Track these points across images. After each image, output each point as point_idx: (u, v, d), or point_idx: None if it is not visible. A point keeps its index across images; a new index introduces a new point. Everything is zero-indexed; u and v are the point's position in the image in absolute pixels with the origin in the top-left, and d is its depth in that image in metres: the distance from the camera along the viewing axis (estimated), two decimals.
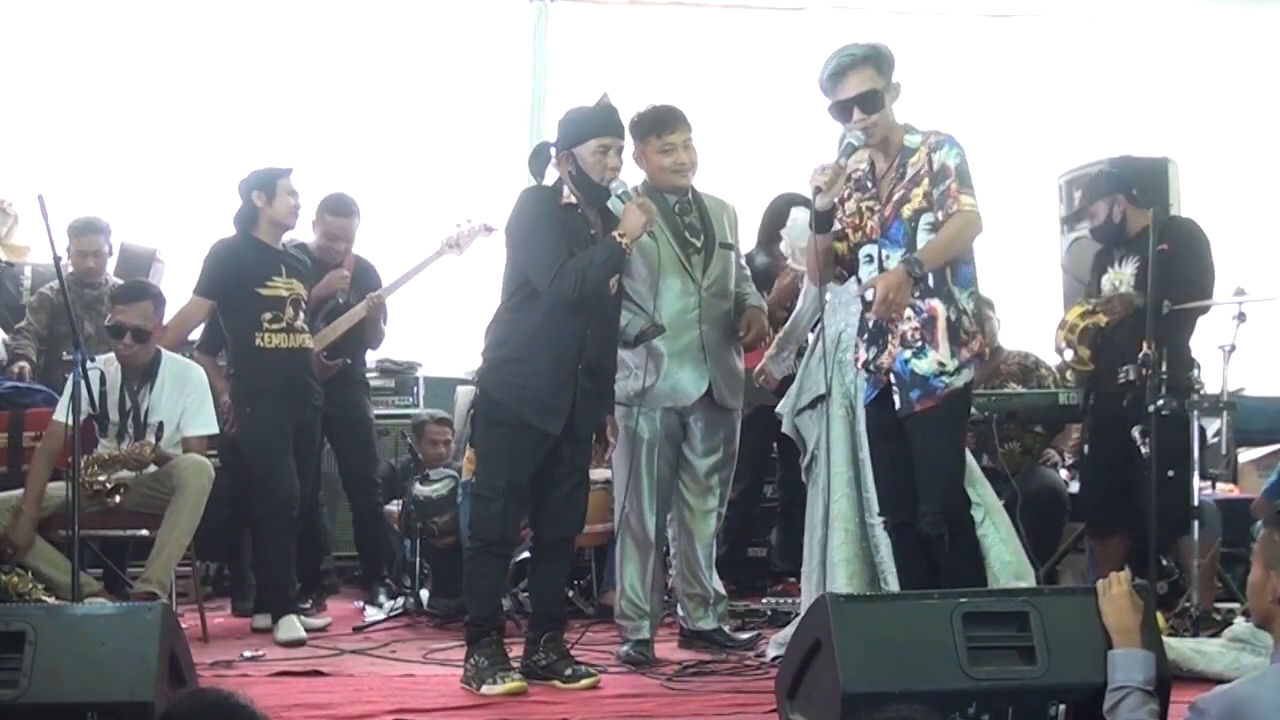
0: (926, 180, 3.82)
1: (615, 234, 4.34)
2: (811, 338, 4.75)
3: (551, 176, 4.50)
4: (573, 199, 4.42)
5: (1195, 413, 4.87)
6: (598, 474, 5.95)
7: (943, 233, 3.76)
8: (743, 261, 5.06)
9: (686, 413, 4.84)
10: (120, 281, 6.10)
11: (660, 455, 4.82)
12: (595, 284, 4.30)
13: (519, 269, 4.42)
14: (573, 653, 4.63)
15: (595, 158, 4.35)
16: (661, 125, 4.75)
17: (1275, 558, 2.92)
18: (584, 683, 4.40)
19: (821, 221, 3.98)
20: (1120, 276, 5.25)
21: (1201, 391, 5.02)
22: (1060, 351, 5.38)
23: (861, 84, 3.84)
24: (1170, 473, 4.86)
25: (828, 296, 4.72)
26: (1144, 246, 5.13)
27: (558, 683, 4.40)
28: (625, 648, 4.84)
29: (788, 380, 5.68)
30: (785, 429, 4.77)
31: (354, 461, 6.13)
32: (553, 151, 4.45)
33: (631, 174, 5.03)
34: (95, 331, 5.87)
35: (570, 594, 5.72)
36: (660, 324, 4.70)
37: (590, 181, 4.37)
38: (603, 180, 4.37)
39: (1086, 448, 5.52)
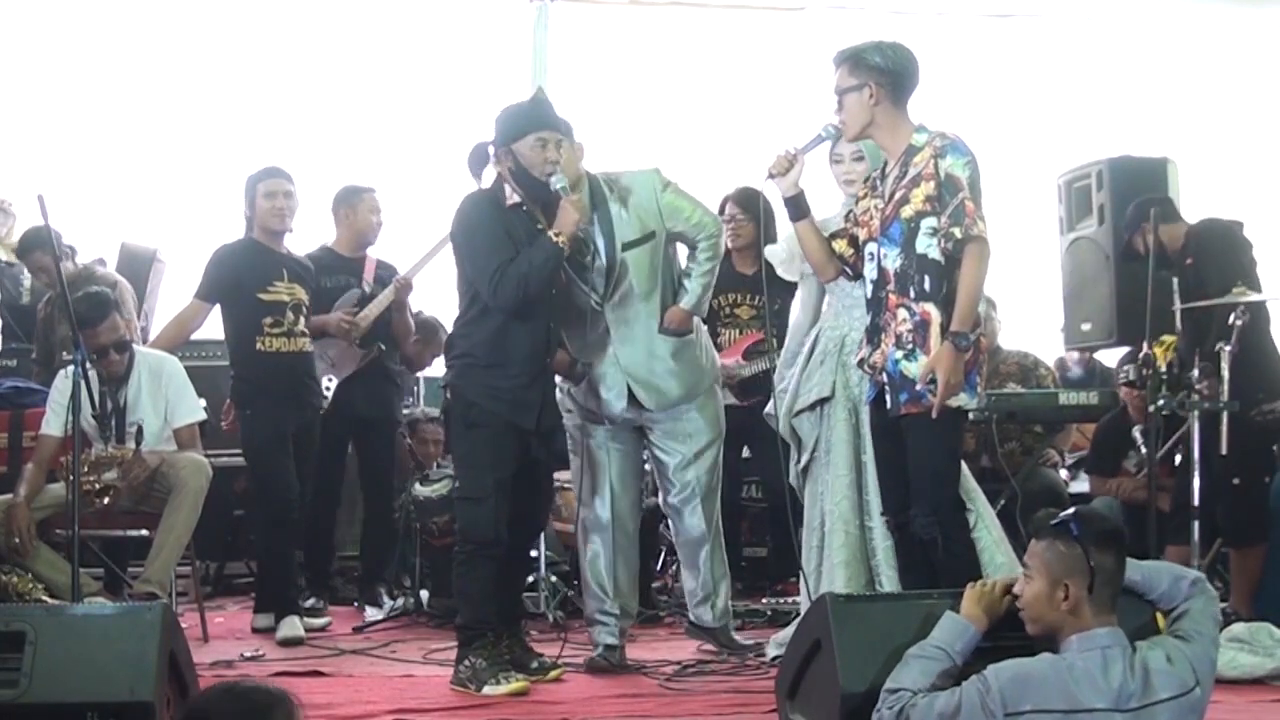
0: (929, 183, 3.80)
1: (551, 233, 4.30)
2: (810, 339, 4.69)
3: (490, 176, 4.44)
4: (516, 198, 4.39)
5: (1195, 413, 4.87)
6: None
7: (963, 281, 3.75)
8: (698, 237, 4.65)
9: (645, 419, 4.73)
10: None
11: (615, 456, 4.73)
12: (538, 288, 4.29)
13: (468, 277, 4.42)
14: (572, 652, 4.64)
15: (534, 152, 4.31)
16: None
17: (1065, 567, 3.04)
18: (550, 675, 4.44)
19: (792, 208, 4.03)
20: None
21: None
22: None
23: (836, 81, 3.94)
24: (1236, 480, 4.86)
25: (828, 299, 4.71)
26: (1179, 259, 5.16)
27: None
28: (595, 653, 4.72)
29: (747, 382, 5.68)
30: (781, 430, 4.71)
31: (377, 463, 6.11)
32: (491, 150, 4.40)
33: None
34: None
35: (569, 594, 5.73)
36: (583, 362, 4.63)
37: (531, 177, 4.34)
38: (543, 174, 4.32)
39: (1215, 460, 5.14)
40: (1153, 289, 5.21)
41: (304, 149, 7.37)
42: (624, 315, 4.63)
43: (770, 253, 4.77)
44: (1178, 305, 5.13)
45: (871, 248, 3.95)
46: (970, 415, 4.21)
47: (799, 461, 4.71)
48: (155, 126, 7.87)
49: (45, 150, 7.67)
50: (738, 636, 5.04)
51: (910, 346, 3.82)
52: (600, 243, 4.59)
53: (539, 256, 4.28)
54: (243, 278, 5.37)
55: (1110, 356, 6.85)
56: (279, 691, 2.47)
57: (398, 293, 5.90)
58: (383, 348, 5.96)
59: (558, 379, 4.67)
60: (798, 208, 4.04)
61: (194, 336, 5.77)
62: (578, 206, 4.34)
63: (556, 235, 4.29)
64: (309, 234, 6.24)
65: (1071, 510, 3.13)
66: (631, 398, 4.64)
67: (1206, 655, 3.08)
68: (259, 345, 5.35)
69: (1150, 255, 5.17)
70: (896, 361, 3.84)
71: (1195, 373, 4.89)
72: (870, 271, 3.96)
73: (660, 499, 4.93)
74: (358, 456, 6.10)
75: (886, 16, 8.07)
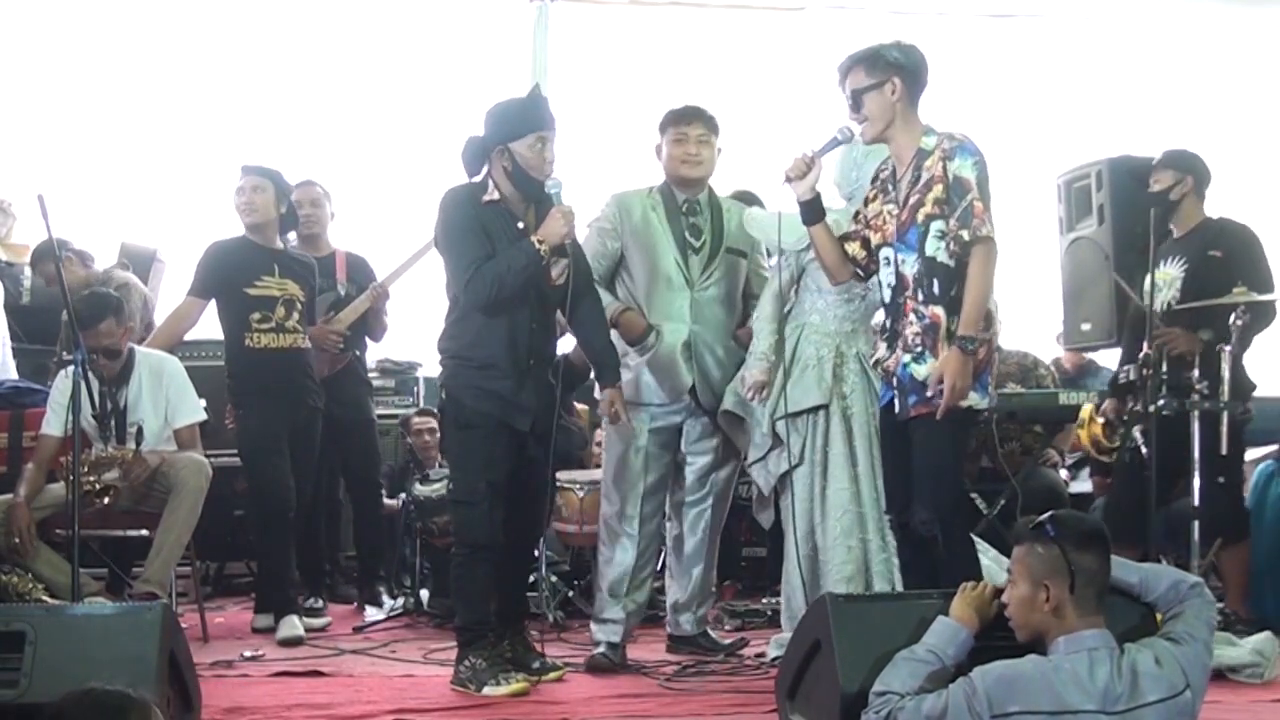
0: (940, 186, 3.80)
1: (534, 239, 4.27)
2: (792, 340, 4.62)
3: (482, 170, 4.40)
4: (495, 195, 4.34)
5: (1195, 413, 4.87)
6: (597, 475, 5.96)
7: (971, 283, 3.77)
8: (766, 269, 4.93)
9: (684, 415, 4.79)
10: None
11: (652, 459, 4.77)
12: (512, 290, 4.25)
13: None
14: (572, 652, 4.63)
15: (533, 152, 4.29)
16: (679, 118, 4.82)
17: (1044, 569, 3.06)
18: (552, 675, 4.43)
19: (807, 212, 4.03)
20: (1167, 276, 5.17)
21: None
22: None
23: (852, 84, 3.92)
24: (1221, 479, 4.86)
25: (806, 295, 4.65)
26: (1196, 246, 5.14)
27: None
28: (597, 651, 4.75)
29: None
30: (764, 430, 4.66)
31: (357, 462, 6.11)
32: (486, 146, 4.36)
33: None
34: None
35: (570, 594, 5.73)
36: (656, 329, 4.71)
37: (528, 176, 4.31)
38: (542, 174, 4.31)
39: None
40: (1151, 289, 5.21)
41: (304, 149, 7.36)
42: (704, 307, 4.77)
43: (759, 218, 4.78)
44: (1167, 303, 5.15)
45: (888, 253, 3.94)
46: (975, 424, 4.20)
47: (764, 458, 4.66)
48: (155, 126, 7.87)
49: (45, 150, 7.67)
50: (725, 639, 5.05)
51: (919, 349, 3.83)
52: (708, 234, 4.78)
53: (519, 260, 4.25)
54: (232, 273, 5.36)
55: (1109, 357, 6.85)
56: (136, 696, 2.43)
57: (374, 301, 5.90)
58: (358, 354, 5.95)
59: (627, 352, 4.71)
60: (813, 211, 4.03)
61: (195, 337, 5.77)
62: (566, 217, 4.32)
63: (539, 242, 4.26)
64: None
65: (1049, 513, 3.14)
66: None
67: (1198, 658, 3.08)
68: (247, 342, 5.34)
69: (1153, 243, 5.15)
70: (906, 365, 3.86)
71: (1195, 373, 4.89)
72: (888, 277, 3.96)
73: (668, 499, 4.92)
74: (338, 457, 6.07)
75: (886, 16, 8.07)
